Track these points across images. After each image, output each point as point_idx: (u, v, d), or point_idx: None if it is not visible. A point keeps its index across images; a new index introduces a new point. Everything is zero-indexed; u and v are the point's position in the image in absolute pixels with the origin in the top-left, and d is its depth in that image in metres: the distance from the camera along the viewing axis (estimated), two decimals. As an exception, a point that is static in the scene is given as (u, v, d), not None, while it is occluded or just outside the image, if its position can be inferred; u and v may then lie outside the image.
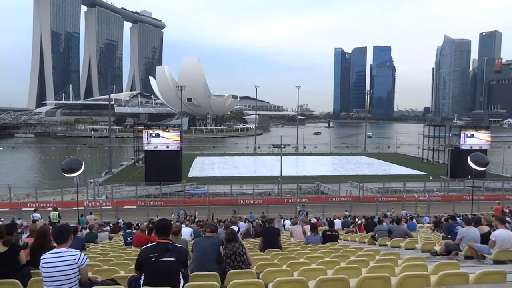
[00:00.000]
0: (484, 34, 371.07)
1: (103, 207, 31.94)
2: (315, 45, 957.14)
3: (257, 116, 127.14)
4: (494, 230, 7.30)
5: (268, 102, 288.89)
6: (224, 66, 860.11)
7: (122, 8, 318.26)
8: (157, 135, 42.69)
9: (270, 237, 8.70)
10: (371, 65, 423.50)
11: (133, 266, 4.88)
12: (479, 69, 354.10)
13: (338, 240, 11.05)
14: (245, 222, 19.80)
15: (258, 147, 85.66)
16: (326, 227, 12.11)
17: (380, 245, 11.47)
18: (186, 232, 12.29)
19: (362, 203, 35.74)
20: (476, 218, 8.67)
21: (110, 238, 14.08)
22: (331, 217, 24.06)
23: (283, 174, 41.32)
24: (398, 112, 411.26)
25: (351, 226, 19.42)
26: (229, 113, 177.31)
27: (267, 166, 57.31)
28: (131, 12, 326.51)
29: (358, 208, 32.30)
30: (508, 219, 10.69)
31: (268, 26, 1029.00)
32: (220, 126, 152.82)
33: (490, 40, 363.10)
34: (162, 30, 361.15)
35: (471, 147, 44.21)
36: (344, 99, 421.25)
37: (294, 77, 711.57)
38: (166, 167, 40.42)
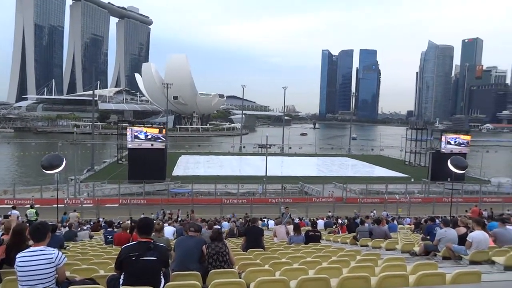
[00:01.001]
0: (466, 41, 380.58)
1: (84, 205, 31.36)
2: (303, 47, 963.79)
3: (243, 115, 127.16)
4: (471, 231, 7.50)
5: (254, 102, 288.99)
6: (212, 65, 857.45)
7: (109, 3, 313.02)
8: (142, 133, 42.19)
9: (253, 237, 8.71)
10: (357, 68, 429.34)
11: (113, 265, 4.80)
12: (461, 74, 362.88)
13: (321, 241, 11.13)
14: (228, 221, 19.76)
15: (244, 147, 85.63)
16: (309, 228, 12.18)
17: (361, 246, 11.62)
18: (169, 231, 12.19)
19: (345, 204, 36.14)
20: (454, 220, 8.89)
21: (91, 237, 13.83)
22: (314, 218, 24.24)
23: (268, 174, 41.43)
24: (382, 115, 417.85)
25: (334, 227, 19.60)
26: (215, 112, 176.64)
27: (252, 166, 57.37)
28: (118, 7, 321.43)
29: (341, 209, 32.63)
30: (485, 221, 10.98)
31: (256, 26, 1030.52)
32: (206, 125, 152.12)
33: (472, 47, 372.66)
34: (149, 27, 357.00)
35: (451, 151, 45.30)
36: (330, 101, 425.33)
37: (281, 78, 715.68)
38: (150, 165, 39.96)
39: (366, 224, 14.28)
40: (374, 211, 30.97)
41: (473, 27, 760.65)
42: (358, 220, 17.34)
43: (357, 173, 54.52)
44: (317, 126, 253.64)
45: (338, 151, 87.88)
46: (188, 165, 58.37)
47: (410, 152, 65.77)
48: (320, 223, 21.29)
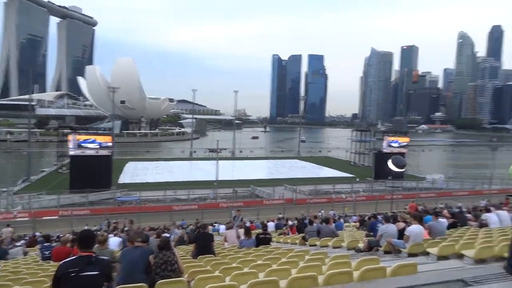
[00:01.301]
0: (404, 47, 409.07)
1: (17, 219, 28.84)
2: (254, 51, 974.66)
3: (194, 120, 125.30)
4: (409, 226, 8.02)
5: (205, 106, 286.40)
6: (161, 68, 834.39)
7: (49, 1, 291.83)
8: (87, 140, 39.89)
9: (203, 243, 8.58)
10: (306, 72, 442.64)
11: (50, 284, 4.46)
12: (400, 79, 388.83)
13: (271, 243, 11.25)
14: (178, 228, 19.30)
15: (194, 152, 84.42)
16: (260, 230, 12.28)
17: (310, 245, 11.92)
18: (114, 242, 11.61)
19: (295, 205, 36.91)
20: (394, 215, 9.46)
21: (25, 253, 12.74)
22: (265, 220, 24.49)
23: (219, 179, 41.19)
24: (329, 117, 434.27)
25: (284, 228, 19.95)
26: (165, 116, 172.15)
27: (203, 170, 56.65)
28: (59, 6, 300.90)
29: (291, 210, 33.33)
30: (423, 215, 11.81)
31: (207, 29, 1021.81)
32: (155, 130, 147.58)
33: (409, 54, 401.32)
34: (93, 28, 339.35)
35: (392, 151, 48.29)
36: (280, 105, 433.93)
37: (233, 82, 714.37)
38: (94, 173, 37.89)
39: (315, 224, 14.70)
40: (322, 211, 32.02)
41: (410, 35, 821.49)
42: (307, 221, 17.81)
43: (306, 175, 56.04)
44: (267, 129, 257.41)
45: (288, 153, 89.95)
46: (135, 171, 56.20)
47: (355, 153, 69.07)
48: (271, 225, 21.55)
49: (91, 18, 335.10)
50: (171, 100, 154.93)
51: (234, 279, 5.09)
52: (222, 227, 21.80)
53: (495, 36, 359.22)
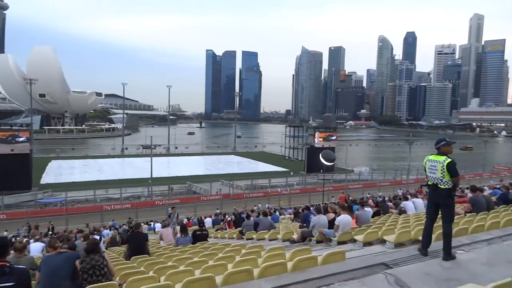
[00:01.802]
0: (332, 48, 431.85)
1: None
2: (187, 45, 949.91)
3: (124, 115, 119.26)
4: (338, 216, 8.53)
5: (137, 101, 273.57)
6: (87, 60, 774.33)
7: None
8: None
9: (136, 244, 8.23)
10: (240, 68, 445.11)
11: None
12: (329, 78, 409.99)
13: (208, 239, 11.20)
14: (110, 229, 18.29)
15: (126, 148, 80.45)
16: (197, 227, 12.14)
17: (247, 239, 12.11)
18: (36, 248, 10.62)
19: (232, 200, 37.21)
20: (324, 207, 9.99)
21: None
22: (202, 216, 24.30)
23: (154, 176, 39.82)
24: (264, 113, 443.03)
25: (222, 223, 20.00)
26: (92, 111, 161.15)
27: (137, 168, 54.35)
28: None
29: (228, 205, 33.51)
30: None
31: (139, 22, 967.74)
32: (81, 126, 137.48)
33: (337, 54, 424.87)
34: (4, 12, 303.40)
35: (323, 145, 50.87)
36: (216, 100, 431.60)
37: (166, 76, 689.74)
38: (11, 174, 34.26)
39: (252, 218, 14.97)
40: (259, 205, 32.78)
41: (337, 37, 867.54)
42: (244, 215, 18.04)
43: (243, 170, 56.68)
44: (203, 125, 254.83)
45: (224, 149, 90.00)
46: (60, 171, 51.97)
47: (289, 148, 71.45)
48: (208, 221, 21.47)
49: (1, 0, 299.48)
50: (98, 94, 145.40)
51: (169, 279, 4.97)
52: (158, 225, 21.16)
53: (409, 41, 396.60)
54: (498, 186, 17.74)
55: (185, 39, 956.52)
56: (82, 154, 71.44)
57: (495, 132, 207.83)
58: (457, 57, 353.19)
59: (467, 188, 12.48)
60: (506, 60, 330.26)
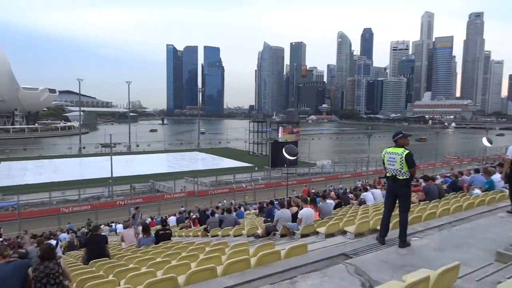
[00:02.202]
0: (293, 44, 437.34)
1: None
2: (147, 40, 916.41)
3: (81, 112, 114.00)
4: (301, 209, 8.67)
5: (95, 98, 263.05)
6: (41, 56, 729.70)
7: None
8: None
9: (95, 247, 7.90)
10: (202, 64, 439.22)
11: None
12: (291, 73, 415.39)
13: (172, 238, 11.01)
14: (67, 233, 17.46)
15: (84, 147, 77.27)
16: (160, 226, 11.89)
17: (212, 236, 12.04)
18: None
19: (197, 197, 36.84)
20: (288, 201, 10.13)
21: None
22: (166, 215, 23.85)
23: (114, 175, 38.46)
24: (227, 109, 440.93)
25: (186, 221, 19.71)
26: (45, 109, 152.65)
27: (96, 167, 52.26)
28: None
29: (193, 202, 33.15)
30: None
31: (94, 15, 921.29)
32: (34, 124, 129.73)
33: (298, 49, 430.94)
34: None
35: (286, 140, 51.57)
36: (178, 96, 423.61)
37: (126, 72, 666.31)
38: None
39: (217, 215, 14.88)
40: (224, 201, 32.73)
41: (298, 32, 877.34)
42: (209, 212, 17.90)
43: (207, 166, 56.22)
44: (165, 122, 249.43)
45: (188, 146, 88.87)
46: (11, 172, 48.87)
47: (253, 143, 71.75)
48: (172, 220, 21.11)
49: None
50: (52, 90, 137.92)
51: (130, 282, 4.82)
52: (119, 226, 20.48)
53: (367, 37, 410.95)
54: (448, 174, 18.88)
55: (145, 34, 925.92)
56: (35, 154, 67.63)
57: (446, 123, 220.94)
58: (410, 53, 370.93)
59: (421, 178, 13.15)
60: (454, 56, 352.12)
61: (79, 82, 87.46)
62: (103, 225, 25.49)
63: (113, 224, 24.54)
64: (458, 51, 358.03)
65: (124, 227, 13.34)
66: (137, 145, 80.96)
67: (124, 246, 10.66)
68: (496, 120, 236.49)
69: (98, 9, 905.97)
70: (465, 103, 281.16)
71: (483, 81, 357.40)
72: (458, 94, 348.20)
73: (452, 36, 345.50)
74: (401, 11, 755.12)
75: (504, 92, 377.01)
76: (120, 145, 78.51)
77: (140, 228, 11.84)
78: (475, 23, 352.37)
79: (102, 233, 10.59)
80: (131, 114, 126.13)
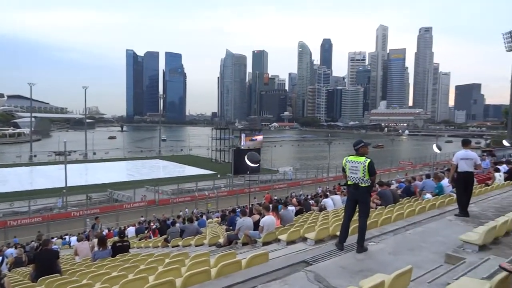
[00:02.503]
0: (255, 52, 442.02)
1: None
2: (105, 44, 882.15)
3: (33, 118, 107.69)
4: (263, 217, 8.69)
5: (48, 103, 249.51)
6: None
7: None
8: None
9: (45, 262, 7.41)
10: (163, 70, 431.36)
11: None
12: (253, 81, 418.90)
13: (130, 250, 10.60)
14: (15, 247, 16.29)
15: (35, 155, 72.95)
16: (117, 238, 11.41)
17: (173, 247, 11.74)
18: None
19: (158, 206, 35.91)
20: (250, 208, 10.12)
21: None
22: (124, 226, 22.99)
23: (69, 185, 36.55)
24: (189, 116, 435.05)
25: (146, 232, 19.10)
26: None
27: (49, 177, 49.44)
28: None
29: (154, 212, 32.27)
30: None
31: (50, 16, 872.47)
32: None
33: (260, 57, 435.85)
34: None
35: (249, 147, 51.76)
36: (138, 103, 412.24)
37: (82, 77, 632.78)
38: None
39: (177, 224, 14.56)
40: (186, 210, 32.14)
41: (260, 41, 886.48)
42: (170, 221, 17.47)
43: (169, 174, 55.00)
44: (125, 128, 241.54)
45: (148, 153, 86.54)
46: (-50, 184, 44.94)
47: (215, 150, 71.27)
48: (131, 230, 20.39)
49: None
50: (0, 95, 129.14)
51: (83, 299, 4.56)
52: (74, 239, 19.43)
53: (326, 47, 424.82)
54: (402, 180, 19.80)
55: (104, 38, 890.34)
56: (-21, 163, 62.77)
57: (400, 131, 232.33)
58: (367, 63, 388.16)
59: (377, 183, 13.68)
60: (407, 67, 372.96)
61: (31, 86, 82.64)
62: (56, 238, 24.10)
63: (67, 237, 23.30)
64: (410, 62, 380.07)
65: (78, 240, 12.65)
66: (94, 153, 77.71)
67: (78, 260, 10.11)
68: (445, 128, 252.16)
69: (52, 10, 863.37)
70: (417, 111, 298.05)
71: (433, 91, 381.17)
72: (410, 103, 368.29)
73: (405, 49, 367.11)
74: (358, 24, 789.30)
75: (451, 102, 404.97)
76: (75, 153, 74.92)
77: (96, 240, 11.30)
78: (425, 37, 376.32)
79: (54, 247, 10.00)
80: (88, 120, 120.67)
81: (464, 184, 7.31)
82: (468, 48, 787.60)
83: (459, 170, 7.32)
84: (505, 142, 34.59)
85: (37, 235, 21.83)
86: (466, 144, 7.56)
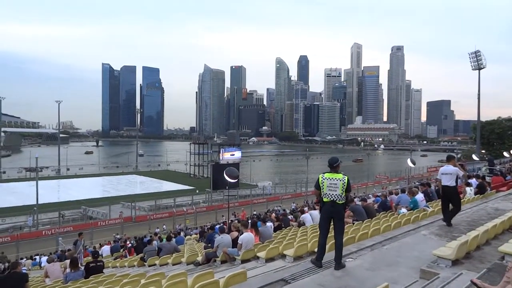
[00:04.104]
0: (234, 67, 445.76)
1: None
2: (80, 57, 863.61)
3: (2, 133, 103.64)
4: (241, 234, 8.63)
5: (19, 118, 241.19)
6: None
7: None
8: None
9: (12, 286, 7.02)
10: (140, 84, 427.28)
11: None
12: (231, 96, 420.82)
13: (105, 270, 10.23)
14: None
15: (4, 172, 69.95)
16: (90, 258, 11.01)
17: (149, 266, 11.43)
18: None
19: (135, 223, 35.02)
20: (228, 225, 10.03)
21: None
22: (98, 244, 22.22)
23: (40, 202, 35.19)
24: (167, 131, 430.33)
25: (122, 250, 18.52)
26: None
27: (18, 194, 47.56)
28: None
29: (130, 229, 31.43)
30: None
31: (22, 29, 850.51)
32: None
33: (238, 73, 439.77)
34: None
35: (228, 162, 51.53)
36: (114, 117, 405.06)
37: (56, 90, 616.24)
38: None
39: (154, 242, 14.21)
40: (164, 226, 31.48)
41: (238, 56, 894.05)
42: (146, 239, 17.03)
43: (146, 190, 53.96)
44: (100, 143, 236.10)
45: (125, 168, 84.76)
46: None
47: (194, 165, 70.58)
48: (106, 249, 19.73)
49: None
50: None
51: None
52: (44, 259, 18.57)
53: (303, 64, 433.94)
54: (379, 194, 20.18)
55: (79, 51, 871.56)
56: None
57: (376, 145, 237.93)
58: (342, 79, 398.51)
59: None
60: (381, 84, 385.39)
61: (0, 100, 79.83)
62: (25, 259, 22.99)
63: (37, 257, 22.25)
64: (383, 79, 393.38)
65: (48, 261, 12.10)
66: (68, 169, 75.40)
67: (49, 283, 9.66)
68: (418, 142, 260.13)
69: (29, 24, 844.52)
70: (391, 126, 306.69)
71: (406, 107, 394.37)
72: (385, 118, 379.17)
73: (378, 66, 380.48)
74: (333, 41, 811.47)
75: (423, 117, 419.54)
76: (47, 169, 72.49)
77: (68, 261, 10.86)
78: (397, 55, 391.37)
79: (23, 269, 9.54)
80: (61, 135, 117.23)
81: (446, 197, 7.80)
82: (437, 66, 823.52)
83: (442, 184, 7.83)
84: (474, 157, 36.02)
85: (1, 255, 20.78)
86: (448, 159, 8.02)
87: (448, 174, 7.64)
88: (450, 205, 7.87)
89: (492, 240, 6.31)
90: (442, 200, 8.09)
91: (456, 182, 7.72)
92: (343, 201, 5.37)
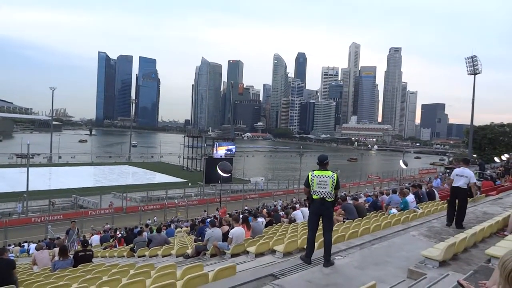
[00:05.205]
0: (231, 61, 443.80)
1: None
2: (77, 45, 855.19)
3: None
4: (232, 228, 8.65)
5: (11, 103, 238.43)
6: None
7: None
8: None
9: (-1, 273, 6.98)
10: (136, 75, 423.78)
11: None
12: (228, 90, 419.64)
13: (94, 259, 10.19)
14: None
15: (-6, 158, 69.15)
16: (79, 247, 10.96)
17: (139, 257, 11.42)
18: None
19: (126, 213, 34.90)
20: (219, 219, 10.04)
21: None
22: (88, 234, 22.13)
23: (31, 189, 34.86)
24: (162, 122, 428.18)
25: (111, 240, 18.46)
26: None
27: (9, 180, 47.15)
28: None
29: (121, 219, 31.35)
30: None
31: (18, 14, 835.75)
32: None
33: (235, 67, 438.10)
34: None
35: (221, 156, 51.51)
36: (109, 106, 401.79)
37: (50, 77, 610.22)
38: None
39: (145, 233, 14.18)
40: (155, 218, 31.43)
41: (236, 51, 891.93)
42: (137, 230, 16.98)
43: (138, 181, 53.77)
44: (94, 132, 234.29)
45: (118, 159, 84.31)
46: None
47: (187, 158, 70.38)
48: (96, 239, 19.66)
49: None
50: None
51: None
52: (33, 246, 18.48)
53: (300, 61, 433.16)
54: (370, 193, 20.33)
55: (75, 38, 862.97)
56: None
57: (369, 146, 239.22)
58: (339, 78, 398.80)
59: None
60: (377, 85, 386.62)
61: (-6, 84, 78.71)
62: (13, 246, 22.85)
63: (26, 244, 22.13)
64: (380, 80, 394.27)
65: (37, 248, 12.02)
66: (60, 157, 74.71)
67: (36, 270, 9.60)
68: (411, 144, 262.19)
69: (21, 6, 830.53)
70: (386, 127, 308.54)
71: (401, 109, 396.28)
72: (380, 119, 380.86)
73: (375, 67, 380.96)
74: (332, 40, 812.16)
75: (418, 120, 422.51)
76: (39, 156, 71.76)
77: (56, 249, 10.80)
78: (394, 56, 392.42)
79: (10, 255, 9.48)
80: (54, 122, 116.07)
81: (454, 197, 7.94)
82: (434, 69, 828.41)
83: (452, 184, 7.96)
84: (466, 160, 36.28)
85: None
86: (466, 163, 8.27)
87: (463, 177, 7.78)
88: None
89: (480, 243, 6.40)
90: (449, 201, 8.24)
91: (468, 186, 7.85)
92: (332, 199, 5.40)
